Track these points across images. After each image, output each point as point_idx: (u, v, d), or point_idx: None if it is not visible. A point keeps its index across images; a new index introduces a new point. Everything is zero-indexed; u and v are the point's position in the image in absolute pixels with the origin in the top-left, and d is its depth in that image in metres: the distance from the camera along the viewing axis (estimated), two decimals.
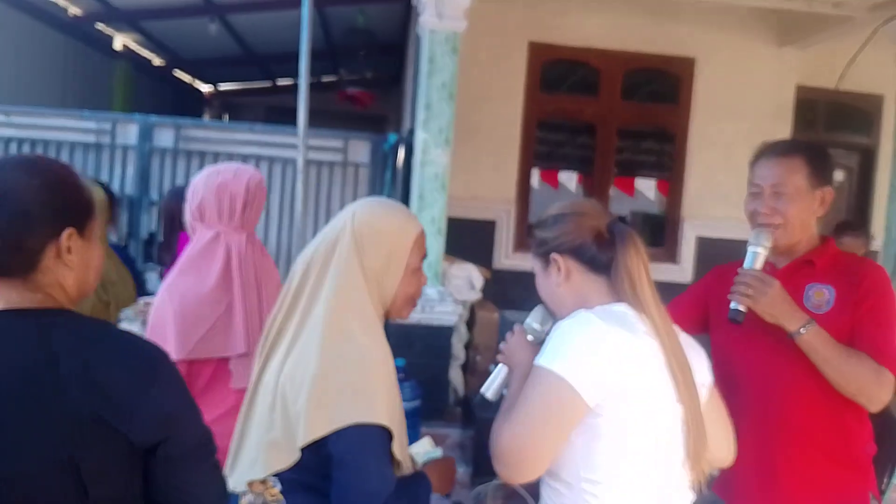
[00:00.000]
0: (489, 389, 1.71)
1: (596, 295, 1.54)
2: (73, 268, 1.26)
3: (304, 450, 1.50)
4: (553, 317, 1.66)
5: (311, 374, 1.48)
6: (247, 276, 2.20)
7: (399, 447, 1.54)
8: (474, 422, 4.36)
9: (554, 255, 1.59)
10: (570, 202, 1.66)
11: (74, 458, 1.14)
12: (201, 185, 2.22)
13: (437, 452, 1.81)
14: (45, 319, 1.21)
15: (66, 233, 1.24)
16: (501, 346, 1.71)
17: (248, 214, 2.25)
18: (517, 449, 1.42)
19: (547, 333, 1.63)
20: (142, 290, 3.61)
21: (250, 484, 1.59)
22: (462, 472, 4.22)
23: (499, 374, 1.71)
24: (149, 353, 1.26)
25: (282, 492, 1.57)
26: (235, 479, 1.61)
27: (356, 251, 1.57)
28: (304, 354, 1.53)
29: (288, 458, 1.53)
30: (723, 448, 1.61)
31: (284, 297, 1.62)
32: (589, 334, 1.43)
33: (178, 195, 3.96)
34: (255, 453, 1.60)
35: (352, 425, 1.46)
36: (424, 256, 1.68)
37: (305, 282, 1.59)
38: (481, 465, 4.10)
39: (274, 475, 1.57)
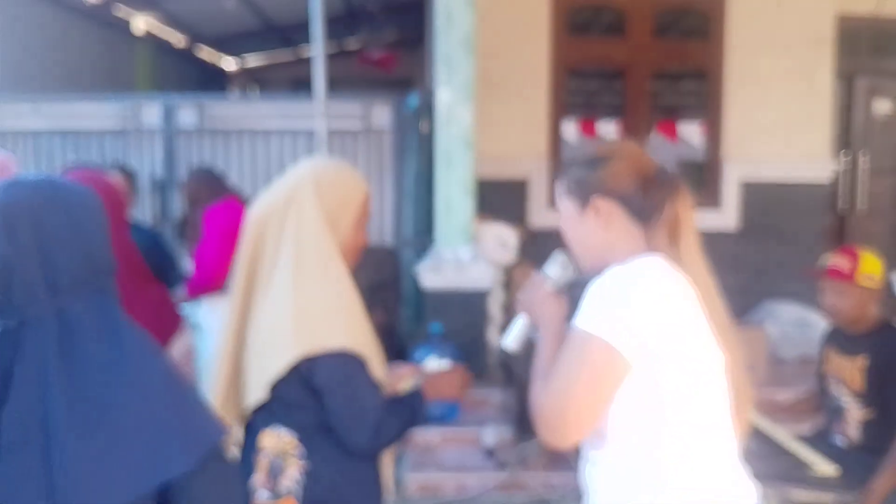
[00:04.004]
0: (511, 339, 1.65)
1: (629, 244, 1.47)
2: None
3: (301, 391, 1.63)
4: (573, 263, 1.58)
5: (283, 312, 1.63)
6: None
7: (376, 369, 1.70)
8: (515, 383, 4.31)
9: (596, 199, 1.48)
10: (614, 143, 1.59)
11: None
12: None
13: (445, 365, 1.93)
14: None
15: None
16: (520, 295, 1.63)
17: None
18: (562, 414, 1.38)
19: (567, 281, 1.59)
20: (177, 270, 3.61)
21: (262, 441, 1.68)
22: (505, 431, 4.19)
23: (520, 324, 1.64)
24: None
25: (299, 439, 1.66)
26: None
27: (316, 192, 1.69)
28: (277, 294, 1.65)
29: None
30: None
31: (249, 246, 1.72)
32: (627, 291, 1.38)
33: (199, 175, 3.93)
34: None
35: (327, 352, 1.60)
36: (368, 219, 1.81)
37: (267, 228, 1.70)
38: (524, 425, 4.06)
39: (286, 426, 1.66)
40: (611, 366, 1.36)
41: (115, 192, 2.74)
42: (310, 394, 1.64)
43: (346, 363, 1.63)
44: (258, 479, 1.69)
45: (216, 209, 3.65)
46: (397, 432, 1.72)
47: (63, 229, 1.20)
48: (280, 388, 1.65)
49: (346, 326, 1.65)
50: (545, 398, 1.40)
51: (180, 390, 1.25)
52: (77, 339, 1.17)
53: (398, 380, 1.89)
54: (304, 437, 1.66)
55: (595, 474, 1.49)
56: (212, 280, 3.61)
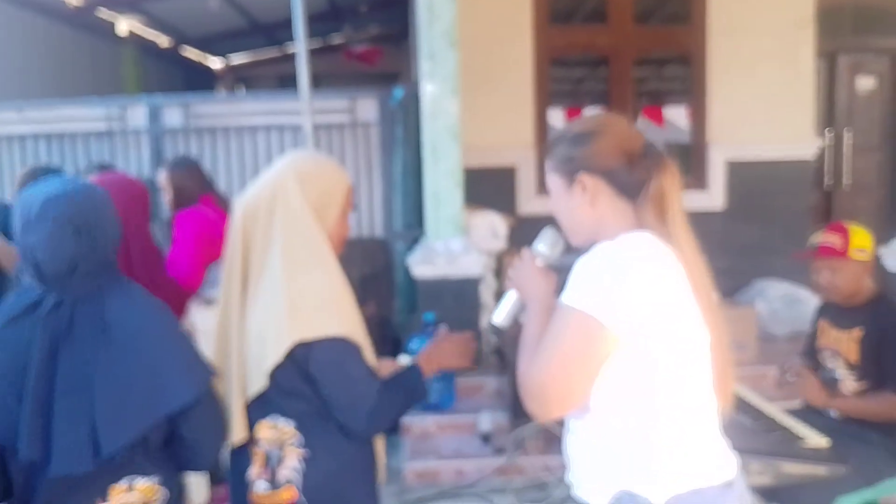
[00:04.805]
0: (500, 316, 1.66)
1: (618, 220, 1.47)
2: None
3: (297, 379, 1.66)
4: (563, 239, 1.60)
5: (277, 301, 1.66)
6: None
7: (369, 355, 1.74)
8: (509, 369, 4.35)
9: (582, 176, 1.48)
10: (600, 117, 1.55)
11: None
12: None
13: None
14: None
15: None
16: (510, 271, 1.63)
17: None
18: (549, 387, 1.39)
19: (557, 257, 1.61)
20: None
21: (258, 433, 1.70)
22: (500, 417, 4.23)
23: (510, 300, 1.64)
24: None
25: (297, 427, 1.69)
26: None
27: (300, 187, 1.72)
28: (270, 285, 1.68)
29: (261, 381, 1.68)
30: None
31: (238, 242, 1.74)
32: (613, 266, 1.38)
33: (183, 165, 3.75)
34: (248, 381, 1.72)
35: (322, 339, 1.64)
36: (351, 208, 1.85)
37: (255, 223, 1.73)
38: (519, 410, 4.08)
39: (284, 416, 1.69)
40: (597, 340, 1.37)
41: (144, 190, 2.90)
42: (306, 381, 1.67)
43: (341, 349, 1.67)
44: (254, 470, 1.70)
45: (187, 213, 3.57)
46: (396, 413, 1.75)
47: (104, 227, 1.59)
48: (277, 377, 1.66)
49: (339, 314, 1.69)
50: (532, 372, 1.41)
51: (183, 340, 1.67)
52: (112, 308, 1.56)
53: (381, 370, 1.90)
54: (302, 426, 1.68)
55: (577, 445, 1.50)
56: (188, 285, 3.56)
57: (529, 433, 4.07)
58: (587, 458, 1.48)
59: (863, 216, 6.00)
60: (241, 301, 1.74)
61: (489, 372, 4.63)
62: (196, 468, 1.72)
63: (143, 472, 1.58)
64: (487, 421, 4.21)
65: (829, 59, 6.51)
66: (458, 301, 4.64)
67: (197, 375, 1.62)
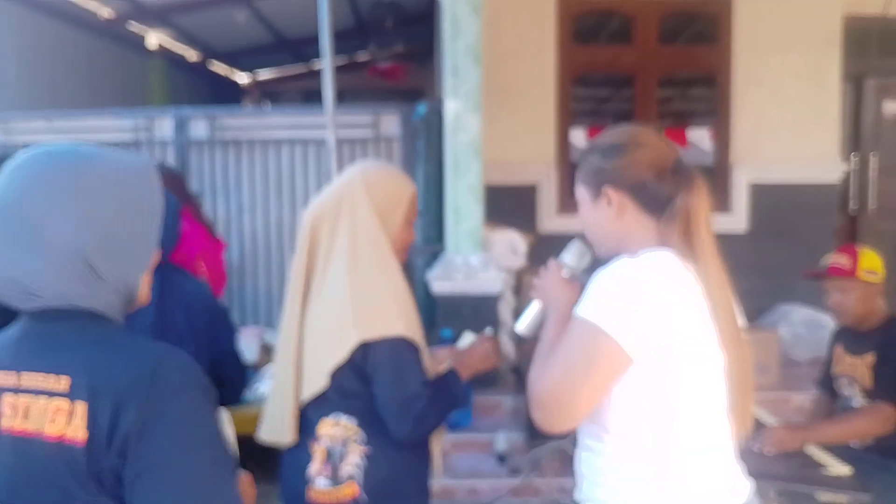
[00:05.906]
0: (523, 324, 1.68)
1: (642, 236, 1.46)
2: None
3: (356, 380, 1.70)
4: (590, 251, 1.60)
5: (341, 302, 1.71)
6: None
7: (426, 358, 1.79)
8: (527, 388, 4.32)
9: (608, 189, 1.48)
10: (632, 130, 1.52)
11: None
12: None
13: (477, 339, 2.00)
14: None
15: None
16: (535, 281, 1.64)
17: None
18: (556, 398, 1.39)
19: (583, 269, 1.61)
20: None
21: (320, 430, 1.73)
22: (517, 437, 4.19)
23: (533, 309, 1.66)
24: None
25: (359, 425, 1.72)
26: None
27: (366, 192, 1.79)
28: (334, 286, 1.73)
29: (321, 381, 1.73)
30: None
31: (305, 245, 1.79)
32: (630, 284, 1.37)
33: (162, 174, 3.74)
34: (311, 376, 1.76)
35: (383, 338, 1.68)
36: (416, 216, 1.88)
37: (321, 227, 1.78)
38: (535, 431, 4.05)
39: (345, 413, 1.72)
40: (605, 354, 1.36)
41: None
42: (363, 382, 1.70)
43: (401, 349, 1.71)
44: (315, 467, 1.72)
45: None
46: (439, 419, 1.78)
47: None
48: (338, 377, 1.70)
49: (402, 315, 1.73)
50: (543, 382, 1.41)
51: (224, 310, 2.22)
52: (177, 282, 2.07)
53: (437, 364, 1.94)
54: (365, 423, 1.72)
55: (597, 466, 1.49)
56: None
57: (546, 454, 4.03)
58: (602, 478, 1.47)
59: (888, 240, 5.91)
60: (302, 305, 1.78)
61: (506, 391, 4.60)
62: (228, 403, 2.04)
63: None
64: (503, 440, 4.18)
65: (855, 82, 6.45)
66: (476, 317, 4.62)
67: (234, 328, 2.11)
